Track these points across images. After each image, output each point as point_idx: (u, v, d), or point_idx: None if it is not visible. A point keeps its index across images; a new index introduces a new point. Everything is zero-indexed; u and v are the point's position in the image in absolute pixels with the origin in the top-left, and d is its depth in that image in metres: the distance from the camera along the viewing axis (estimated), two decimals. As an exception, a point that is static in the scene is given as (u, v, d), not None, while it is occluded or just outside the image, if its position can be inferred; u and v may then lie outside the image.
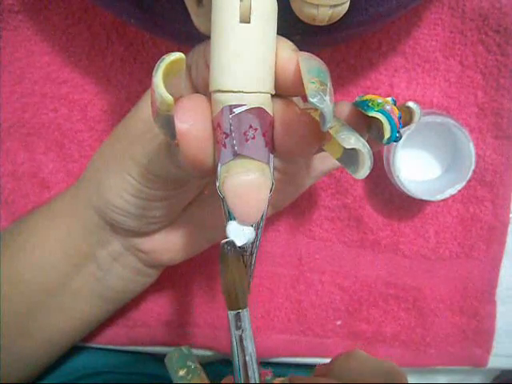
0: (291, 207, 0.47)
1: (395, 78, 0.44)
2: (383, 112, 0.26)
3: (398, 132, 0.26)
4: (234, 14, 0.23)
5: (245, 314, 0.27)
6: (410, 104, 0.29)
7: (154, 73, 0.22)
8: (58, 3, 0.43)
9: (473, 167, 0.42)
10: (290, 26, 0.27)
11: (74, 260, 0.39)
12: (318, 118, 0.25)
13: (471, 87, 0.43)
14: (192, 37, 0.31)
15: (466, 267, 0.47)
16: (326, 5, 0.24)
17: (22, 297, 0.40)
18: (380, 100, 0.26)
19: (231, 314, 0.27)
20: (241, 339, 0.27)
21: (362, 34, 0.38)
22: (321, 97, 0.21)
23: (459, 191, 0.42)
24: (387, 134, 0.26)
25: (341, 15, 0.26)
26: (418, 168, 0.46)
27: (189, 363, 0.31)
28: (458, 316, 0.48)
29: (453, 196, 0.43)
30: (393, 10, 0.33)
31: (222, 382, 0.35)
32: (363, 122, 0.28)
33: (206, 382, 0.31)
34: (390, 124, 0.26)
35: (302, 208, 0.47)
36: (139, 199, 0.34)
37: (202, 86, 0.29)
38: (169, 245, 0.39)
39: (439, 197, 0.43)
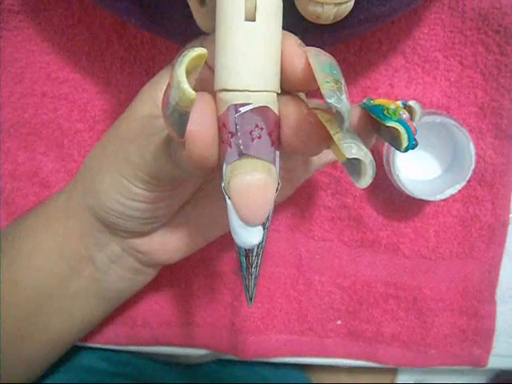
0: (291, 207, 0.47)
1: (395, 78, 0.44)
2: (401, 122, 0.25)
3: (415, 140, 0.26)
4: (239, 12, 0.23)
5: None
6: (411, 103, 0.29)
7: (176, 67, 0.22)
8: (58, 3, 0.43)
9: (473, 167, 0.42)
10: (292, 25, 0.27)
11: (72, 263, 0.39)
12: (324, 119, 0.25)
13: (471, 87, 0.43)
14: (194, 36, 0.31)
15: (466, 267, 0.47)
16: (330, 3, 0.24)
17: (21, 301, 0.40)
18: (393, 106, 0.26)
19: None
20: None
21: (362, 33, 0.38)
22: (337, 97, 0.21)
23: (459, 191, 0.42)
24: (405, 143, 0.25)
25: (345, 13, 0.26)
26: (418, 168, 0.46)
27: None
28: (457, 316, 0.48)
29: (453, 196, 0.43)
30: (395, 9, 0.33)
31: None
32: (373, 127, 0.28)
33: None
34: (408, 133, 0.25)
35: (302, 208, 0.47)
36: (134, 201, 0.33)
37: (201, 87, 0.28)
38: (167, 245, 0.39)
39: (439, 197, 0.42)
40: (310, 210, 0.47)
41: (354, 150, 0.23)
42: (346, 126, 0.22)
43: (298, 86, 0.26)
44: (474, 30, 0.41)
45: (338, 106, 0.21)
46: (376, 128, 0.28)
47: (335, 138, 0.24)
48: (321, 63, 0.23)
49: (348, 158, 0.24)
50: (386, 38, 0.42)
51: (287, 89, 0.26)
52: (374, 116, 0.27)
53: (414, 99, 0.43)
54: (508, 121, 0.43)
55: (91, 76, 0.45)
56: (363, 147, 0.23)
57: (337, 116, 0.22)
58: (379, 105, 0.27)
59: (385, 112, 0.26)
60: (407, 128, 0.25)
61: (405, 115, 0.25)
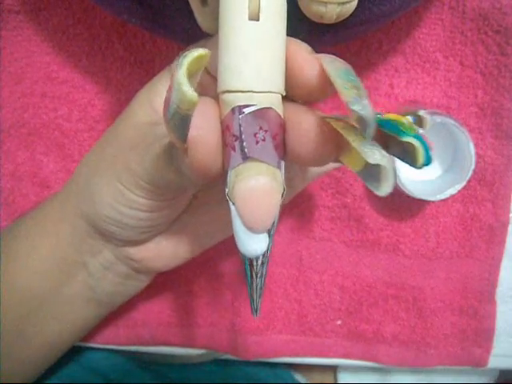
0: (291, 207, 0.47)
1: (395, 78, 0.44)
2: (418, 137, 0.24)
3: (430, 156, 0.25)
4: (242, 11, 0.23)
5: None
6: (422, 113, 0.28)
7: (177, 69, 0.21)
8: (58, 3, 0.43)
9: (473, 167, 0.42)
10: (294, 24, 0.27)
11: (65, 268, 0.39)
12: (339, 127, 0.24)
13: (471, 87, 0.43)
14: (195, 36, 0.31)
15: (466, 267, 0.47)
16: (334, 2, 0.24)
17: (17, 302, 0.39)
18: (405, 121, 0.25)
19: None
20: None
21: (363, 34, 0.38)
22: (360, 103, 0.21)
23: (459, 191, 0.42)
24: (421, 160, 0.24)
25: (349, 13, 0.25)
26: (418, 168, 0.46)
27: None
28: (457, 316, 0.48)
29: (453, 196, 0.43)
30: (395, 9, 0.33)
31: None
32: (381, 141, 0.27)
33: None
34: (425, 149, 0.24)
35: (302, 208, 0.47)
36: (132, 209, 0.33)
37: (202, 93, 0.28)
38: (161, 253, 0.38)
39: (439, 197, 0.43)
40: (310, 210, 0.47)
41: (377, 155, 0.22)
42: (370, 132, 0.21)
43: (311, 94, 0.25)
44: (474, 30, 0.41)
45: (363, 112, 0.20)
46: (383, 144, 0.27)
47: (355, 144, 0.22)
48: (337, 70, 0.23)
49: (365, 167, 0.24)
50: (386, 37, 0.42)
51: (298, 98, 0.26)
52: (385, 131, 0.26)
53: (414, 99, 0.44)
54: (508, 121, 0.43)
55: (91, 76, 0.45)
56: (384, 153, 0.22)
57: (360, 123, 0.21)
58: (393, 120, 0.26)
59: (401, 128, 0.25)
60: (424, 143, 0.24)
61: (420, 130, 0.25)
